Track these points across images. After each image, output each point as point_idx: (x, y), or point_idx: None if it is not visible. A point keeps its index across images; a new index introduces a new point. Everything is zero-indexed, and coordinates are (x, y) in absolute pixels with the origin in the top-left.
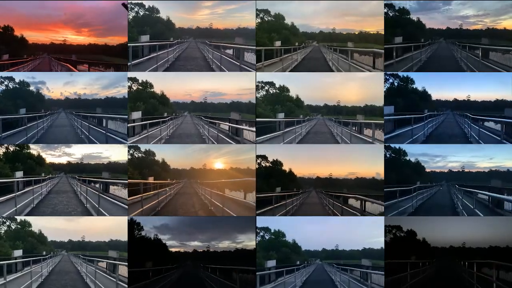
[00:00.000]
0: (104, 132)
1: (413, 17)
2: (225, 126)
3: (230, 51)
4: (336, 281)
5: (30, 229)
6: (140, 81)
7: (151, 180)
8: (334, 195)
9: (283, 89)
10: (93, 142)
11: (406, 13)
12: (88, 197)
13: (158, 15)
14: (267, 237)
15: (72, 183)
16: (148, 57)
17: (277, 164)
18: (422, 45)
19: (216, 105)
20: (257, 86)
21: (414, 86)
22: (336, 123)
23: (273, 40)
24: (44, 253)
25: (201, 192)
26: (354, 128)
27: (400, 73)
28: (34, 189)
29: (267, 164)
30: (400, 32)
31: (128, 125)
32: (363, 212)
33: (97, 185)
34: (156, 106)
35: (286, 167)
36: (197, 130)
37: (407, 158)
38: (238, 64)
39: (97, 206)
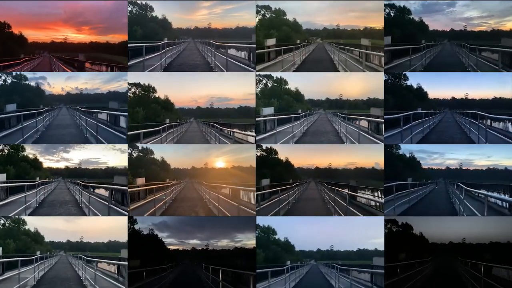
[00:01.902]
0: (117, 132)
1: (416, 17)
2: (239, 135)
3: (238, 53)
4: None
5: (25, 227)
6: (142, 85)
7: (140, 181)
8: (336, 190)
9: (281, 82)
10: (101, 142)
11: (407, 13)
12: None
13: (152, 13)
14: (256, 235)
15: (72, 190)
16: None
17: (271, 152)
18: (414, 49)
19: (223, 110)
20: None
21: (408, 82)
22: (341, 118)
23: (271, 38)
24: (39, 253)
25: (207, 197)
26: (362, 126)
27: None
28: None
29: (261, 153)
30: (398, 32)
31: (129, 133)
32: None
33: (95, 190)
34: (157, 111)
35: (282, 156)
36: (207, 141)
37: (400, 152)
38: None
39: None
